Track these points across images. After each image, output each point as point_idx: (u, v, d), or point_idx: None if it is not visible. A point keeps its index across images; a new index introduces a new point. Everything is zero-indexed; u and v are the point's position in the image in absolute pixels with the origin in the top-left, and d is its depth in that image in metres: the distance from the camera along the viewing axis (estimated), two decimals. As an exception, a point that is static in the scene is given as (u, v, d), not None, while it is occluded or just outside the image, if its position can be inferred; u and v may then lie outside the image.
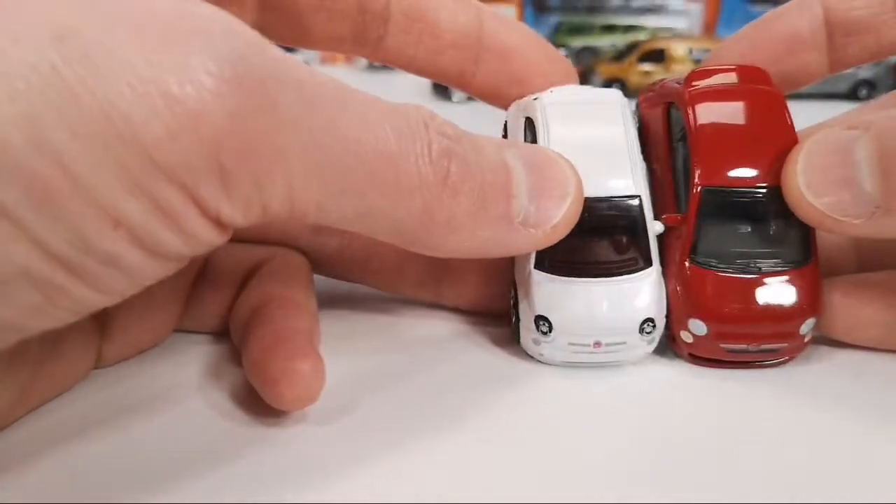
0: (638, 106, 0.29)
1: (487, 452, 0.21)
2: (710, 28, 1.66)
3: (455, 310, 0.29)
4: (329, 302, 0.30)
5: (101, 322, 0.24)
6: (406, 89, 0.94)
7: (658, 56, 1.24)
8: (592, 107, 0.26)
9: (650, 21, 1.57)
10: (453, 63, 0.27)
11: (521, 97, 0.27)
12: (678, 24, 1.60)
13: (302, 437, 0.21)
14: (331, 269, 0.30)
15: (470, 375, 0.25)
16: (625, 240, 0.24)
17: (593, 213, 0.23)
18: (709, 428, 0.22)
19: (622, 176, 0.24)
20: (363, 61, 1.02)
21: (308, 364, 0.21)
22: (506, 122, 0.28)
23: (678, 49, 1.25)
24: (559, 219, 0.22)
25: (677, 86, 0.26)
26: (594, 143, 0.24)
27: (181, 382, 0.24)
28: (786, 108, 0.25)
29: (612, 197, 0.24)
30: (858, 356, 0.26)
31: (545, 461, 0.20)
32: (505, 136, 0.28)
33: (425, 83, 0.90)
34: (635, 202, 0.24)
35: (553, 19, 1.58)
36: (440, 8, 0.27)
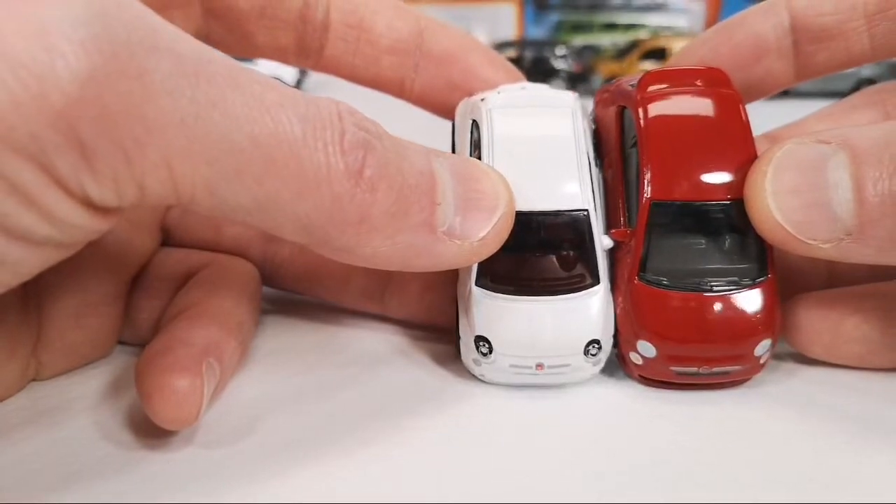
0: (595, 106, 0.28)
1: (395, 481, 0.19)
2: (711, 26, 1.65)
3: (401, 324, 0.28)
4: (275, 316, 0.29)
5: (34, 329, 0.23)
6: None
7: (660, 54, 1.23)
8: (541, 111, 0.24)
9: (652, 19, 1.57)
10: (392, 70, 0.27)
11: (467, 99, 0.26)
12: (680, 22, 1.59)
13: (184, 460, 0.20)
14: (281, 280, 0.29)
15: (399, 397, 0.24)
16: (571, 256, 0.23)
17: (538, 228, 0.22)
18: (655, 450, 0.21)
19: (570, 188, 0.23)
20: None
21: (184, 380, 0.19)
22: (453, 122, 0.27)
23: (680, 47, 1.24)
24: (487, 232, 0.21)
25: (630, 88, 0.25)
26: (541, 153, 0.23)
27: (84, 396, 0.23)
28: (744, 113, 0.23)
29: (558, 211, 0.23)
30: (814, 372, 0.24)
31: (468, 487, 0.19)
32: (453, 137, 0.27)
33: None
34: (582, 216, 0.23)
35: (554, 17, 1.57)
36: (377, 14, 0.26)
